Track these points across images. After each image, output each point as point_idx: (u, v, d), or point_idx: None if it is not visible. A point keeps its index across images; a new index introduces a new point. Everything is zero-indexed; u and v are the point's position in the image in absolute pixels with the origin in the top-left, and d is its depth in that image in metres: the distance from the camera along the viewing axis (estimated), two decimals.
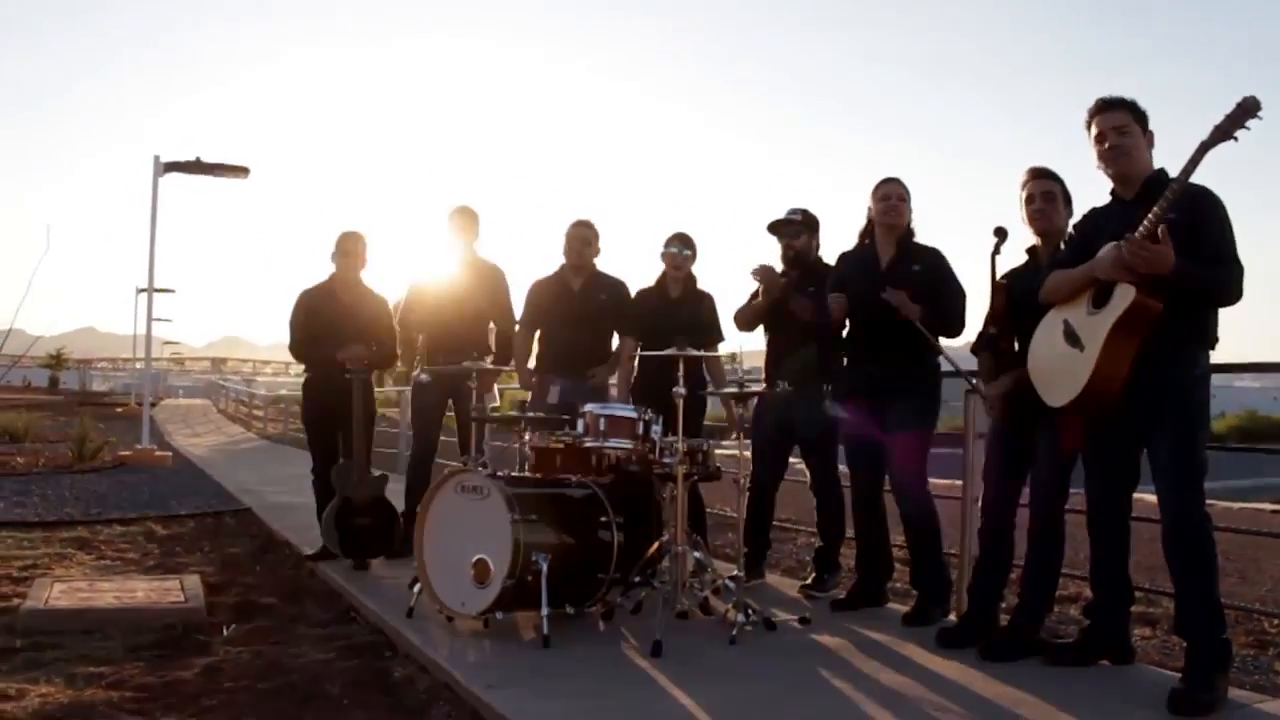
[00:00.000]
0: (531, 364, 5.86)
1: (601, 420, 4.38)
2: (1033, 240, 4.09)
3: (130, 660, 3.88)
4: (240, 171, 12.79)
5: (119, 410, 26.01)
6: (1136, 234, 3.21)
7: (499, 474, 4.30)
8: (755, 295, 5.13)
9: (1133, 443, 3.48)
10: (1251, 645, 4.51)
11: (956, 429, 4.87)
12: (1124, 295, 3.28)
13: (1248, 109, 3.07)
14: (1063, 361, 3.51)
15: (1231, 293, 3.28)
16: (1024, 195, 4.04)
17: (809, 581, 5.04)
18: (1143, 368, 3.32)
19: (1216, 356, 3.53)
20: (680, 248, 5.45)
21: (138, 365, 40.67)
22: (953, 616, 4.46)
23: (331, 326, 5.73)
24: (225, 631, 4.36)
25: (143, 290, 29.14)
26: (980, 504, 4.08)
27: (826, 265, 5.02)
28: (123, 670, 3.71)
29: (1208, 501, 3.39)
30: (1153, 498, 3.45)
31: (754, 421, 4.97)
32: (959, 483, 4.78)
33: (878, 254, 4.61)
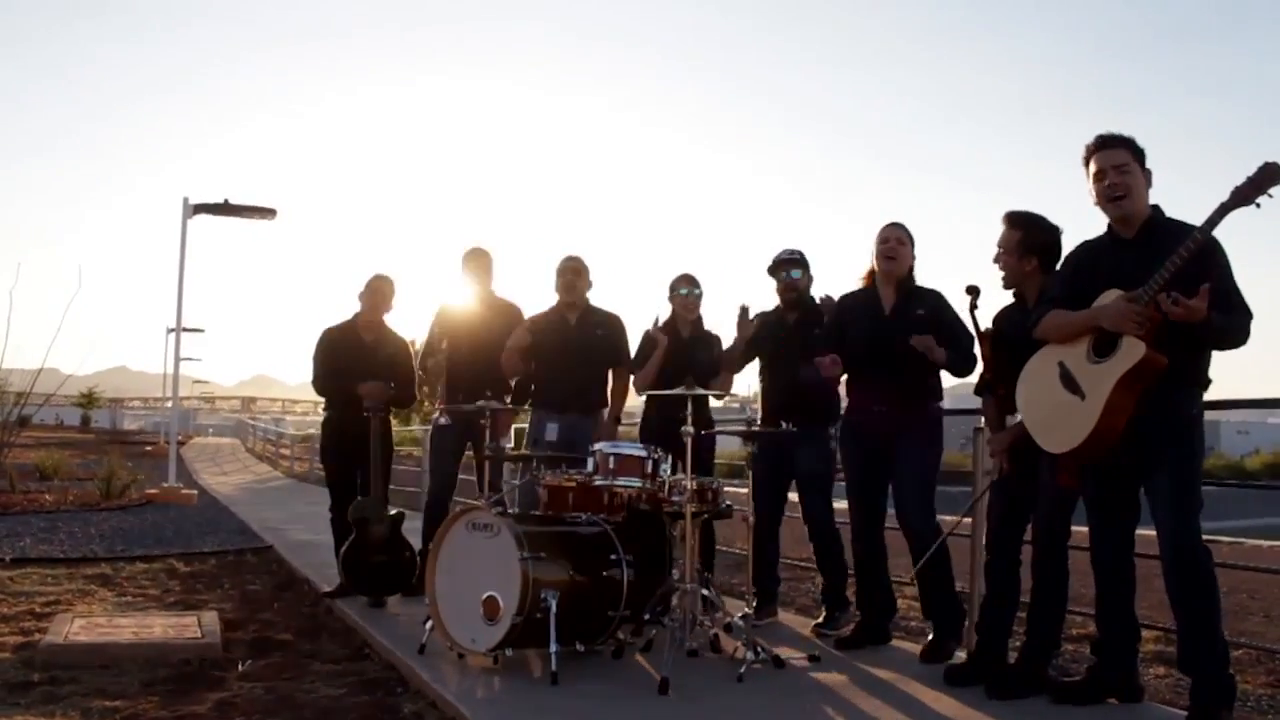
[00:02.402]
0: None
1: (611, 459, 4.43)
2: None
3: (145, 695, 3.94)
4: (268, 213, 13.00)
5: (148, 449, 26.27)
6: (1148, 288, 3.23)
7: (508, 512, 4.34)
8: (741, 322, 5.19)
9: (1132, 479, 3.50)
10: (1271, 685, 4.46)
11: (958, 466, 4.89)
12: (1132, 349, 3.30)
13: (1271, 174, 3.08)
14: (1061, 408, 3.52)
15: (1242, 338, 3.31)
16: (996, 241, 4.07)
17: (821, 620, 5.04)
18: (1142, 407, 3.34)
19: (1243, 393, 3.54)
20: (690, 289, 5.51)
21: (168, 405, 41.18)
22: (961, 654, 4.45)
23: (352, 364, 5.83)
24: (240, 667, 4.41)
25: (172, 330, 29.54)
26: (986, 541, 4.09)
27: (816, 303, 5.09)
28: (137, 705, 3.77)
29: (1237, 540, 3.39)
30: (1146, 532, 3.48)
31: (754, 458, 5.01)
32: (967, 519, 4.78)
33: (879, 298, 4.66)
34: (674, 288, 5.53)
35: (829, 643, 4.73)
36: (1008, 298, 4.13)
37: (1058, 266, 3.86)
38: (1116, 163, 3.45)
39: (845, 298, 4.83)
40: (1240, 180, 3.19)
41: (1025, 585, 4.03)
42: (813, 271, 5.21)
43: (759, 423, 5.04)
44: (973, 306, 4.01)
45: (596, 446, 4.55)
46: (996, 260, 4.02)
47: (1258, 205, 3.16)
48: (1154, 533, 3.47)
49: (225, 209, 12.77)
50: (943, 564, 4.51)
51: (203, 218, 12.95)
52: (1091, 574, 3.84)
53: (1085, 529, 3.83)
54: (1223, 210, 3.20)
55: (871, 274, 4.70)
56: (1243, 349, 3.38)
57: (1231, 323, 3.26)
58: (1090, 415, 3.38)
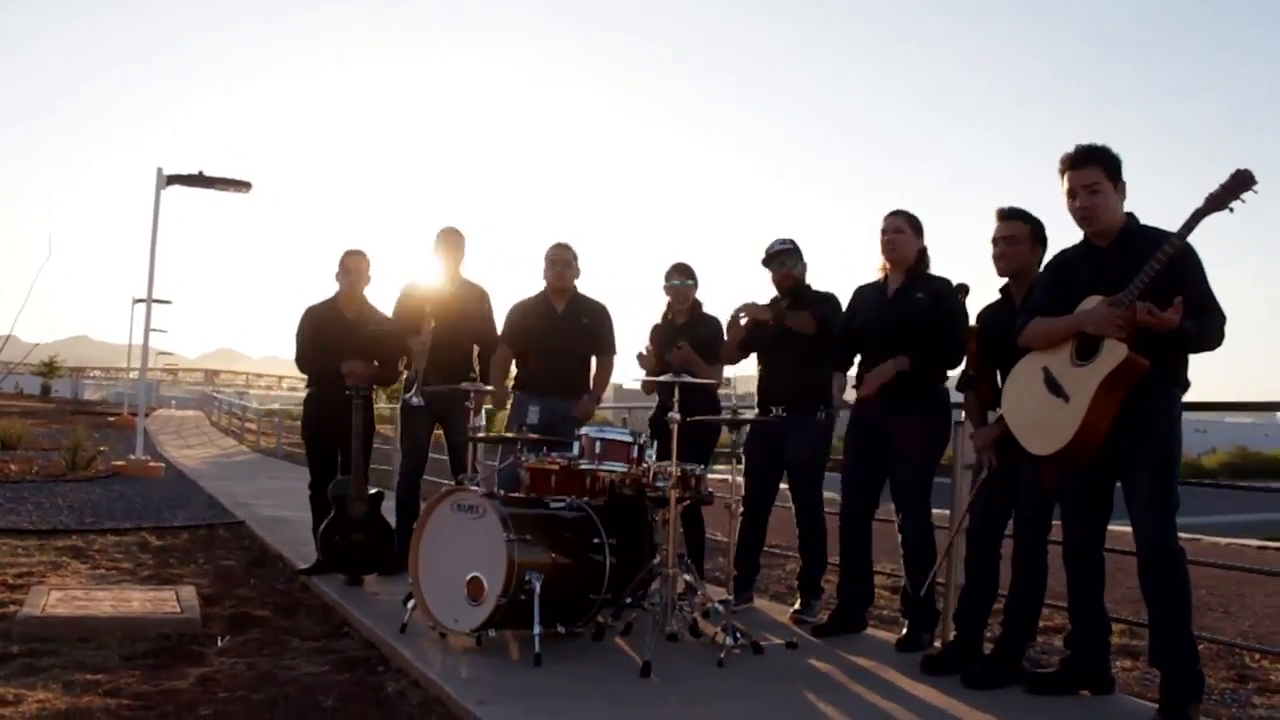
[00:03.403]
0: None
1: (597, 444, 4.46)
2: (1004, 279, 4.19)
3: (125, 669, 3.93)
4: (243, 186, 12.87)
5: (111, 420, 25.99)
6: (1128, 292, 3.30)
7: (495, 493, 4.36)
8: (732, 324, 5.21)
9: (1108, 478, 3.58)
10: (1232, 679, 4.57)
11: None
12: (1114, 352, 3.37)
13: (1243, 181, 3.16)
14: (1045, 410, 3.59)
15: (1217, 341, 3.38)
16: (991, 238, 4.13)
17: (797, 607, 5.10)
18: (1122, 409, 3.42)
19: (1204, 395, 3.63)
20: (682, 280, 5.55)
21: (131, 375, 40.67)
22: (937, 643, 4.53)
23: (335, 342, 5.81)
24: (220, 642, 4.41)
25: (140, 301, 29.13)
26: (967, 535, 4.16)
27: (815, 292, 5.13)
28: (118, 678, 3.76)
29: (1194, 537, 3.47)
30: (1125, 528, 3.56)
31: (746, 446, 5.06)
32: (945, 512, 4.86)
33: (888, 285, 4.71)
34: (667, 278, 5.58)
35: (805, 629, 4.79)
36: (992, 294, 4.20)
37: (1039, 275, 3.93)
38: (1087, 182, 3.51)
39: (860, 288, 4.86)
40: (1214, 187, 3.27)
41: (1003, 580, 4.11)
42: (806, 260, 5.23)
43: (756, 409, 5.11)
44: (961, 303, 4.07)
45: (583, 431, 4.57)
46: (1002, 252, 4.06)
47: (1231, 210, 3.24)
48: (1120, 528, 3.57)
49: (199, 180, 12.62)
50: (930, 559, 4.57)
51: (176, 189, 12.80)
52: (1061, 569, 3.94)
53: (1058, 524, 3.94)
54: (1198, 216, 3.28)
55: (885, 266, 4.74)
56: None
57: (1205, 328, 3.34)
58: (1075, 417, 3.45)
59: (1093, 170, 3.51)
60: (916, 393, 4.54)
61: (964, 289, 4.09)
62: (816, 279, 5.28)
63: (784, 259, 5.14)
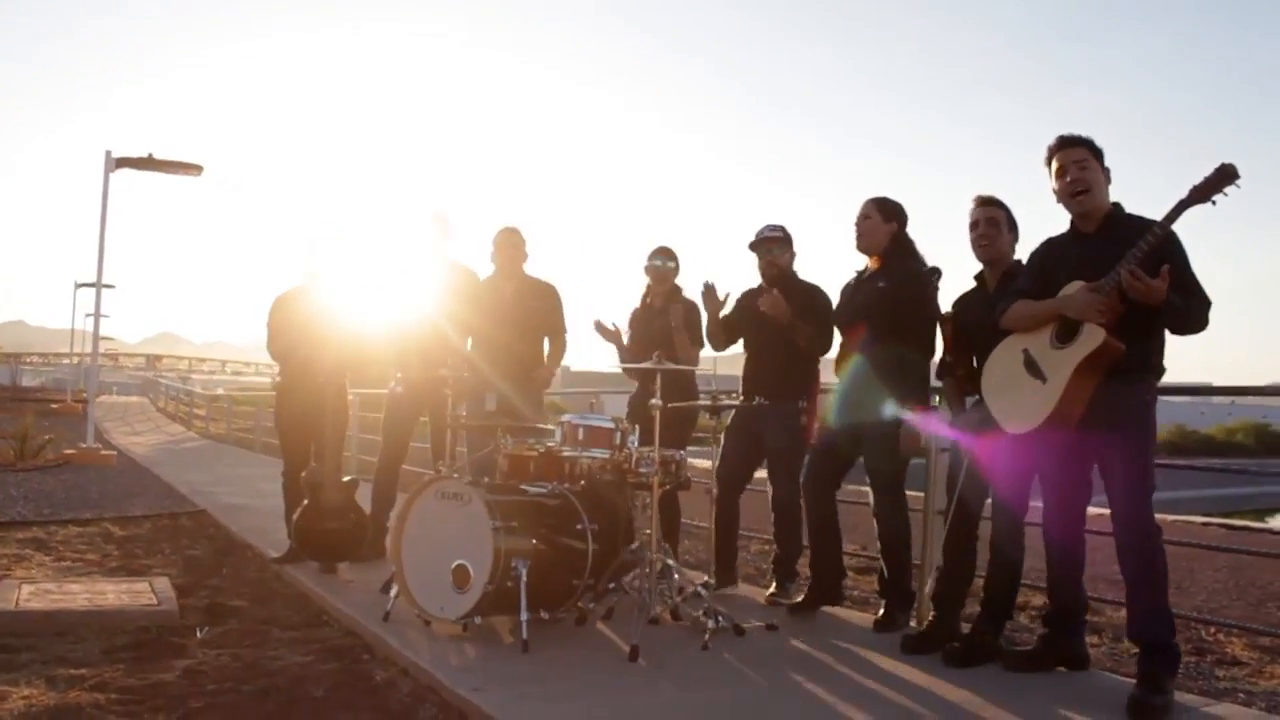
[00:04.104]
0: None
1: (580, 430, 4.48)
2: (979, 266, 4.27)
3: (107, 662, 3.89)
4: (194, 169, 12.64)
5: (55, 407, 25.45)
6: (1110, 279, 3.39)
7: (479, 481, 4.37)
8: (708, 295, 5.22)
9: (1088, 461, 3.67)
10: (1191, 652, 4.72)
11: None
12: (1093, 335, 3.46)
13: (1227, 175, 3.25)
14: (1023, 391, 3.68)
15: (1202, 323, 3.47)
16: (969, 222, 4.21)
17: (773, 590, 5.15)
18: (1099, 392, 3.51)
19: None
20: (663, 260, 5.56)
21: (71, 361, 39.82)
22: (913, 623, 4.62)
23: (306, 329, 5.76)
24: (199, 634, 4.37)
25: (85, 285, 28.49)
26: (946, 517, 4.24)
27: (802, 283, 5.14)
28: (102, 672, 3.72)
29: None
30: (1096, 510, 3.66)
31: (727, 431, 5.10)
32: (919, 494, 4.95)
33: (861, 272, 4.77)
34: (649, 259, 5.59)
35: (783, 610, 4.85)
36: (963, 280, 4.29)
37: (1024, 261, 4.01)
38: (1076, 159, 3.61)
39: (850, 280, 4.89)
40: (1199, 179, 3.36)
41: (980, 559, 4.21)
42: (795, 250, 5.24)
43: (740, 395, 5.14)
44: (934, 288, 4.14)
45: (565, 418, 4.59)
46: (981, 236, 4.14)
47: (1214, 203, 3.34)
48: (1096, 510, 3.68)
49: (150, 164, 12.37)
50: (904, 544, 4.65)
51: (125, 172, 12.53)
52: (1036, 550, 4.05)
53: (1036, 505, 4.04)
54: (1181, 207, 3.37)
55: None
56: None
57: (1191, 306, 3.43)
58: (1051, 397, 3.54)
59: (1080, 150, 3.62)
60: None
61: (936, 272, 4.16)
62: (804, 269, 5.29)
63: (771, 246, 5.13)
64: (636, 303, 5.73)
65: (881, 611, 4.65)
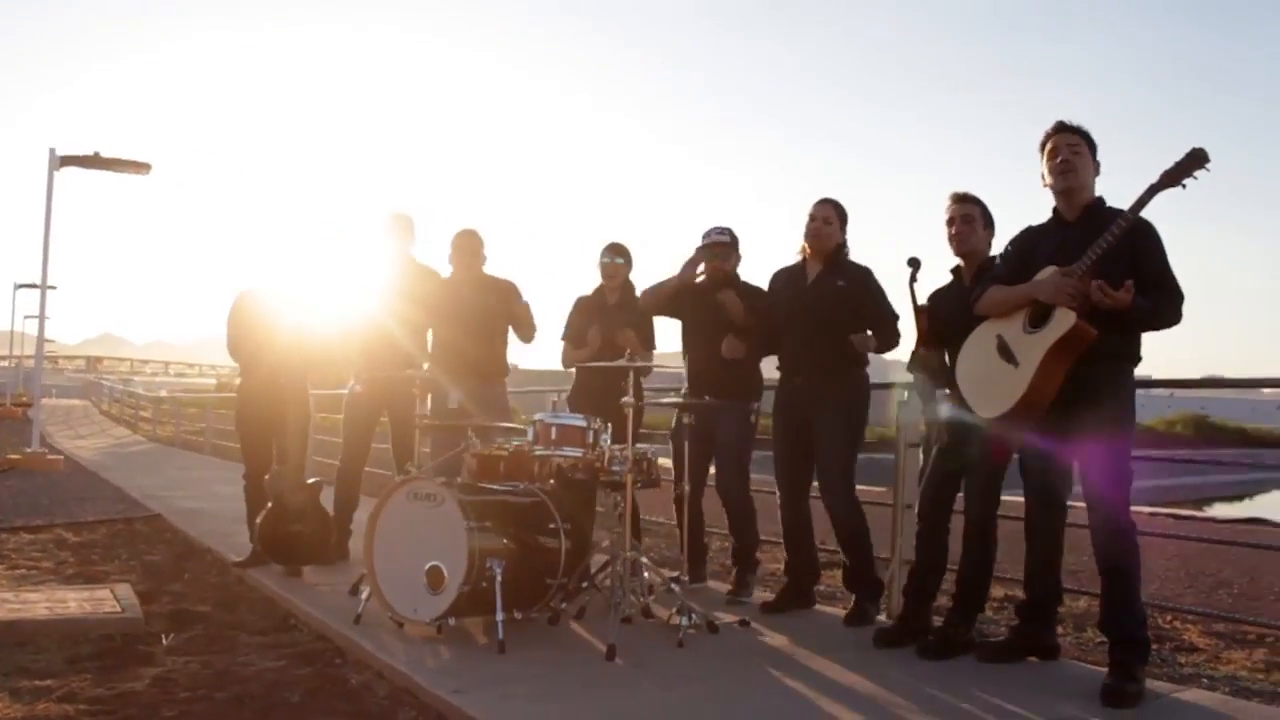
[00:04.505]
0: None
1: (553, 429, 4.46)
2: (956, 260, 4.33)
3: (73, 672, 3.79)
4: (142, 167, 12.39)
5: None
6: (1081, 263, 3.45)
7: (452, 482, 4.33)
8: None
9: (1065, 453, 3.72)
10: (1151, 639, 4.80)
11: (886, 437, 5.07)
12: (1064, 319, 3.50)
13: (1197, 159, 3.31)
14: (996, 375, 3.72)
15: (1174, 318, 3.53)
16: (946, 218, 4.27)
17: (731, 589, 5.13)
18: (1077, 382, 3.55)
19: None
20: (613, 257, 5.53)
21: (10, 364, 38.87)
22: (883, 616, 4.67)
23: (268, 330, 5.67)
24: (165, 641, 4.29)
25: (24, 286, 27.80)
26: (918, 511, 4.29)
27: (746, 286, 5.13)
28: (69, 683, 3.63)
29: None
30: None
31: (676, 429, 5.11)
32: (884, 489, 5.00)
33: (806, 270, 4.80)
34: (601, 255, 5.56)
35: (749, 610, 4.83)
36: (944, 275, 4.33)
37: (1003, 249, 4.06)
38: (1070, 143, 3.68)
39: (778, 271, 4.95)
40: (1169, 164, 3.43)
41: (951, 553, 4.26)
42: (741, 252, 5.24)
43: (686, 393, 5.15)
44: (912, 279, 4.18)
45: (538, 416, 4.57)
46: (959, 231, 4.19)
47: (1184, 186, 3.40)
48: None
49: (96, 162, 12.10)
50: (863, 535, 4.70)
51: (70, 170, 12.25)
52: (1005, 543, 4.11)
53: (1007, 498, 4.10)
54: (1152, 191, 3.42)
55: (805, 249, 4.82)
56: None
57: (1160, 305, 3.49)
58: (1022, 381, 3.59)
59: (1075, 137, 3.68)
60: (840, 374, 4.68)
61: (916, 263, 4.20)
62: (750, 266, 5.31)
63: (717, 252, 5.09)
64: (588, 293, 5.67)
65: (852, 604, 4.69)
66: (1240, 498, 26.73)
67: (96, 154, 12.12)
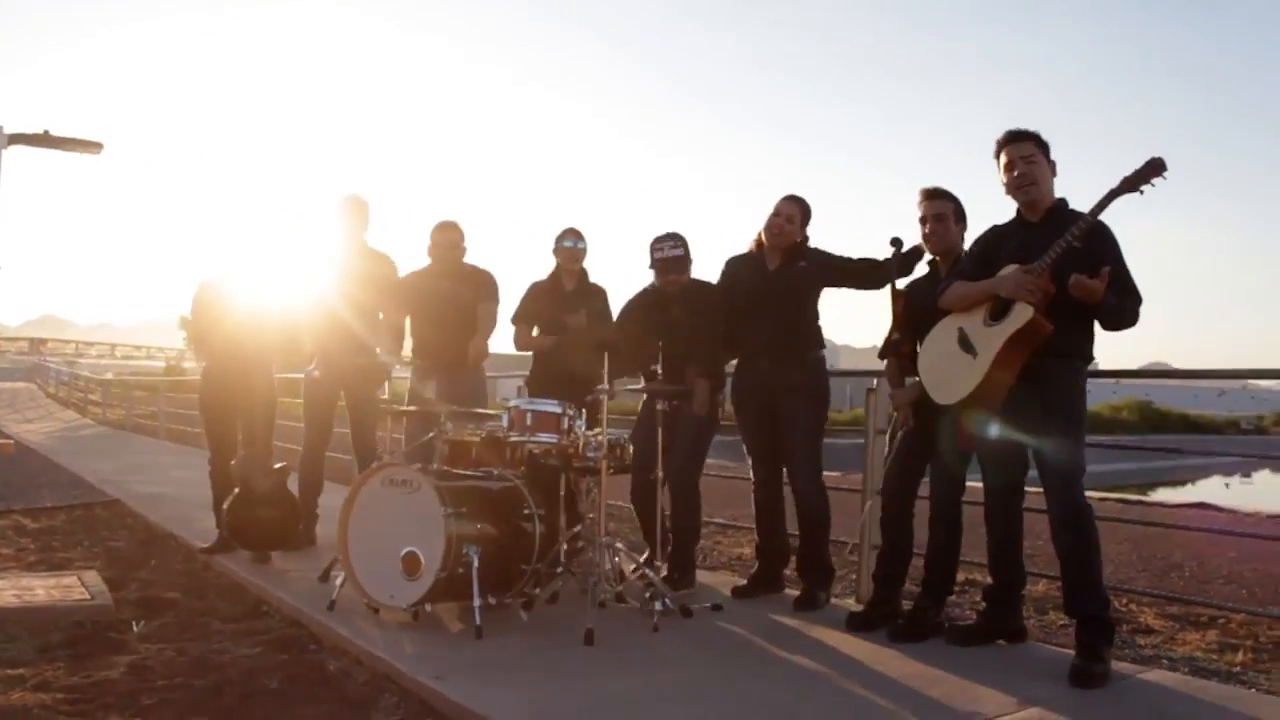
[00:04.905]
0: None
1: (528, 415, 4.48)
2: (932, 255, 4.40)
3: (45, 661, 3.76)
4: (93, 146, 12.14)
5: None
6: (1042, 261, 3.55)
7: (428, 468, 4.33)
8: None
9: (1022, 442, 3.82)
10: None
11: (856, 423, 5.14)
12: (1022, 313, 3.62)
13: (1155, 168, 3.42)
14: (954, 364, 3.83)
15: (1133, 319, 3.64)
16: (918, 216, 4.33)
17: (671, 573, 4.93)
18: (1033, 378, 3.67)
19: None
20: (574, 241, 5.51)
21: None
22: (852, 601, 4.75)
23: (234, 316, 5.63)
24: (136, 628, 4.26)
25: None
26: (883, 495, 4.36)
27: (700, 284, 5.09)
28: (42, 672, 3.60)
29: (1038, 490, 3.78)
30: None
31: (645, 415, 5.11)
32: (857, 474, 5.07)
33: (765, 259, 4.83)
34: (558, 240, 5.51)
35: (690, 597, 4.73)
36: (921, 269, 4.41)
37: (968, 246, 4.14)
38: (1024, 154, 3.76)
39: (732, 259, 4.97)
40: (1129, 171, 3.53)
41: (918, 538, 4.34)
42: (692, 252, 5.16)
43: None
44: (896, 258, 4.24)
45: (513, 403, 4.58)
46: (932, 230, 4.26)
47: (1141, 192, 3.50)
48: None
49: (46, 140, 11.84)
50: (824, 522, 4.76)
51: (18, 149, 11.98)
52: (971, 528, 4.20)
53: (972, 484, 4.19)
54: (1111, 196, 3.54)
55: (760, 239, 4.86)
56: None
57: (1125, 305, 3.61)
58: (979, 370, 3.71)
59: (1027, 145, 3.77)
60: (797, 354, 4.74)
61: (898, 242, 4.26)
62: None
63: (670, 266, 4.98)
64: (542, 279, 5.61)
65: (802, 589, 4.74)
66: (1183, 483, 27.35)
67: (46, 132, 11.86)
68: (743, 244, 5.03)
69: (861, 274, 4.72)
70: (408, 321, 5.82)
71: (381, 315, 5.89)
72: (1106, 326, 3.68)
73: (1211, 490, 23.96)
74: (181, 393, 17.20)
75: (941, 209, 4.25)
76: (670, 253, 4.99)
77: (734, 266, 4.98)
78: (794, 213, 4.77)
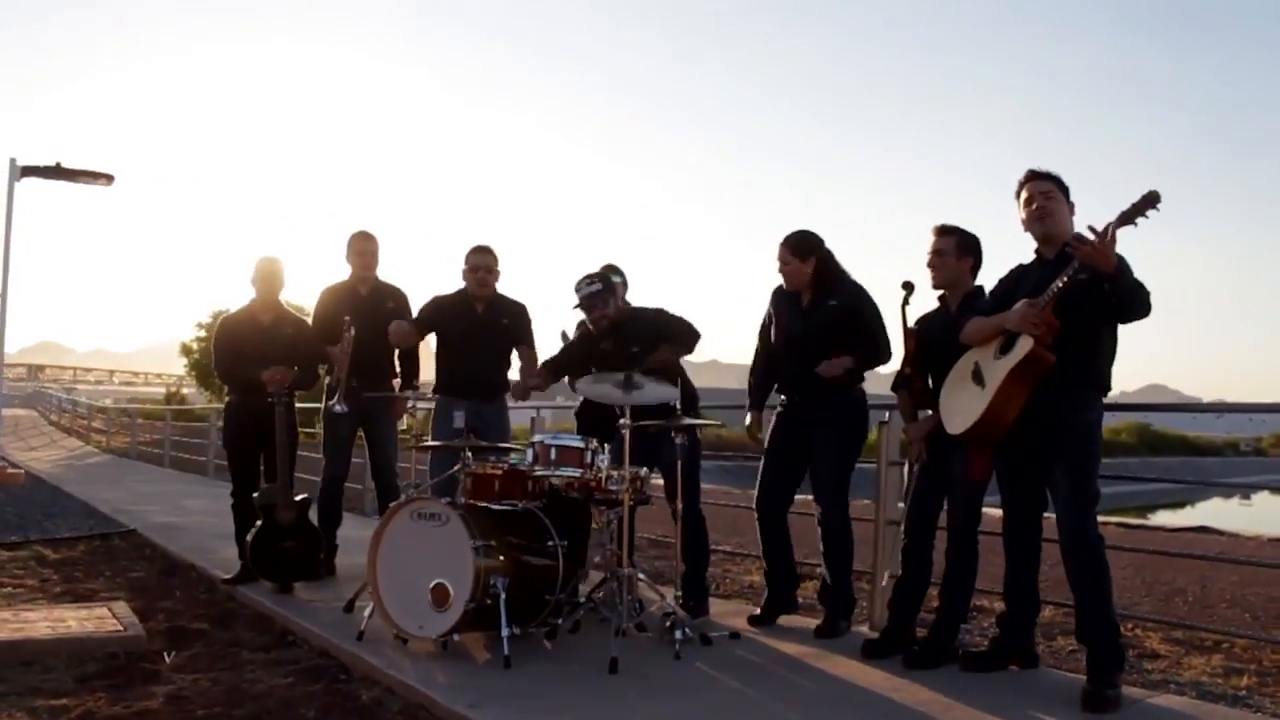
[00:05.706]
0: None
1: (552, 450, 4.60)
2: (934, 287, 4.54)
3: (85, 691, 3.86)
4: (104, 178, 12.27)
5: None
6: (1045, 295, 3.68)
7: (456, 502, 4.45)
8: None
9: (1038, 472, 3.95)
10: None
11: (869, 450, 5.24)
12: (1024, 345, 3.76)
13: (1151, 200, 3.55)
14: (965, 396, 3.98)
15: (1146, 309, 3.69)
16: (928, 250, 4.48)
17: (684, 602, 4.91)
18: (1047, 409, 3.79)
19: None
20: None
21: None
22: (865, 628, 4.86)
23: (254, 349, 5.76)
24: (168, 659, 4.36)
25: None
26: (904, 526, 4.48)
27: (643, 311, 5.24)
28: (83, 702, 3.71)
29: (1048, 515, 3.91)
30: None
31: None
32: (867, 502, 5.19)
33: (801, 293, 4.96)
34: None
35: (706, 625, 4.80)
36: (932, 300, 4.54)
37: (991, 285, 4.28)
38: (1043, 190, 3.93)
39: (778, 289, 5.03)
40: (1126, 205, 3.66)
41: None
42: (624, 278, 5.39)
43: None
44: (905, 302, 4.38)
45: (537, 438, 4.70)
46: (932, 264, 4.40)
47: (1136, 224, 3.64)
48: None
49: (58, 173, 11.96)
50: (848, 553, 4.86)
51: (31, 181, 12.10)
52: (984, 556, 4.32)
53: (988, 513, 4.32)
54: (1110, 229, 3.66)
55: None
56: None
57: (1140, 287, 3.66)
58: (984, 401, 3.85)
59: (1047, 183, 3.93)
60: (836, 393, 4.84)
61: (910, 287, 4.39)
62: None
63: (594, 301, 5.10)
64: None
65: (824, 618, 4.83)
66: (1182, 504, 27.45)
67: (58, 165, 11.99)
68: (747, 278, 5.17)
69: (866, 351, 4.76)
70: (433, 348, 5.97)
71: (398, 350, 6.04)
72: (1118, 308, 3.71)
73: (1210, 512, 24.07)
74: (187, 420, 17.30)
75: (940, 245, 4.38)
76: (587, 289, 5.12)
77: (778, 299, 5.02)
78: (785, 255, 4.83)
